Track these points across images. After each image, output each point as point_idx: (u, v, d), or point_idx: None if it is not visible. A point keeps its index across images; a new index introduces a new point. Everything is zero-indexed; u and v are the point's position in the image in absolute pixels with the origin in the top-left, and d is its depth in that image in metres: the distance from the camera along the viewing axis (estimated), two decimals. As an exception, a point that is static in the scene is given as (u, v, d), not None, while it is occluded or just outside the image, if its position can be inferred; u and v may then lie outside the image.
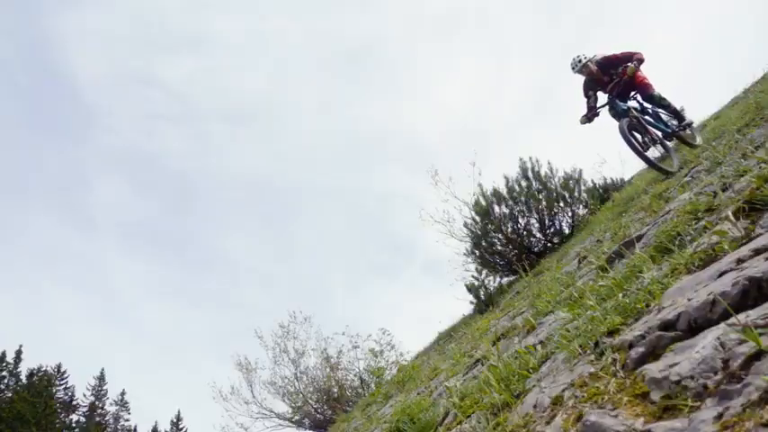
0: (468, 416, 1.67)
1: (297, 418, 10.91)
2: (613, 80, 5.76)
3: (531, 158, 8.62)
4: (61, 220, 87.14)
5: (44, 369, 38.86)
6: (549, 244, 8.49)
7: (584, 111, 5.94)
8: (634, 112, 5.45)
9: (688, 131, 6.07)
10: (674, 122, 5.88)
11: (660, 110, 5.88)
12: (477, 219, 8.61)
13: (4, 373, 37.75)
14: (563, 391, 1.20)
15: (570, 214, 8.44)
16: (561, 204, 8.38)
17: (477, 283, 7.87)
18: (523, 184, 8.45)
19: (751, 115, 3.51)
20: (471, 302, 8.02)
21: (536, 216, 8.38)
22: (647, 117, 5.77)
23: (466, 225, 8.75)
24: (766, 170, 1.54)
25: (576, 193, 8.43)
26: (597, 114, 5.90)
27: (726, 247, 1.31)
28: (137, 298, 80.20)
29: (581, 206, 8.44)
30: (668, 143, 5.59)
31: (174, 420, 45.42)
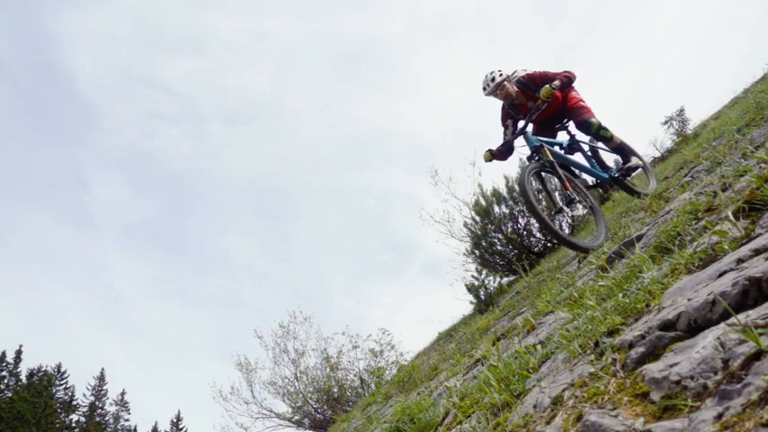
0: (468, 416, 1.67)
1: (297, 418, 10.91)
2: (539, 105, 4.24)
3: (531, 158, 8.60)
4: (61, 219, 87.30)
5: (44, 369, 38.92)
6: (549, 244, 8.49)
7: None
8: (549, 152, 3.88)
9: (640, 172, 4.75)
10: (620, 161, 4.54)
11: (600, 144, 4.46)
12: (477, 219, 8.61)
13: (4, 373, 37.78)
14: (563, 391, 1.20)
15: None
16: (561, 204, 8.37)
17: (477, 283, 7.86)
18: (581, 154, 8.41)
19: (751, 115, 3.51)
20: (471, 302, 8.02)
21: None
22: (574, 157, 4.36)
23: (466, 225, 8.75)
24: (766, 170, 1.54)
25: (576, 193, 8.42)
26: (509, 150, 4.33)
27: (726, 247, 1.30)
28: (136, 298, 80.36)
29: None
30: (595, 201, 4.04)
31: (174, 420, 45.48)
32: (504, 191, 8.47)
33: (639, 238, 2.38)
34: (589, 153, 4.56)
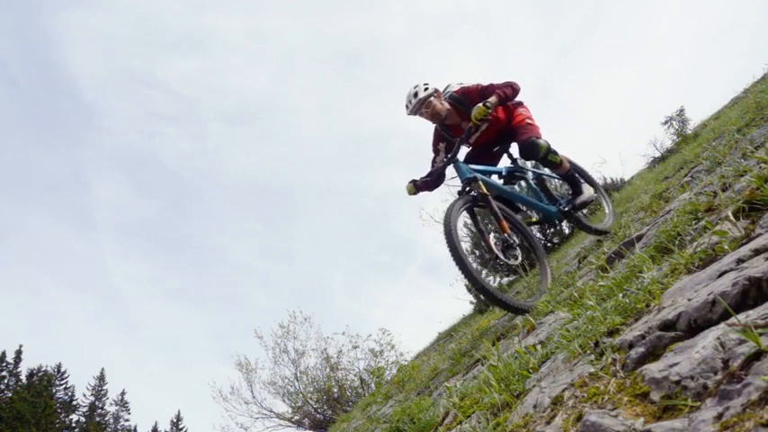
0: (469, 416, 1.67)
1: (297, 418, 10.90)
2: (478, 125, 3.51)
3: (531, 158, 8.61)
4: (61, 219, 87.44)
5: (44, 369, 38.94)
6: (549, 244, 8.49)
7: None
8: (483, 183, 3.22)
9: (602, 204, 4.22)
10: (569, 193, 3.79)
11: (546, 171, 3.81)
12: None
13: (4, 373, 37.81)
14: (563, 391, 1.20)
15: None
16: (561, 204, 8.37)
17: (477, 283, 7.84)
18: (524, 183, 8.44)
19: (751, 115, 3.51)
20: (471, 302, 8.02)
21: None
22: (515, 188, 3.78)
23: (466, 225, 8.75)
24: (766, 170, 1.54)
25: (576, 193, 8.42)
26: (439, 178, 3.61)
27: (726, 247, 1.31)
28: (136, 298, 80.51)
29: (581, 206, 8.43)
30: (540, 246, 3.33)
31: (174, 420, 45.52)
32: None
33: (639, 238, 2.39)
34: (534, 183, 3.90)
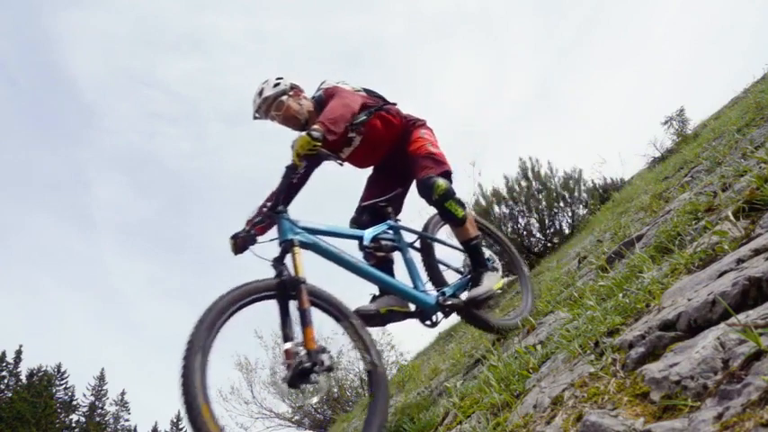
0: (469, 416, 1.67)
1: (297, 418, 10.91)
2: (349, 137, 2.60)
3: (530, 158, 8.64)
4: (61, 220, 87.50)
5: (44, 369, 38.96)
6: (548, 244, 8.49)
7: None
8: (308, 250, 2.12)
9: (522, 293, 3.00)
10: (467, 270, 2.71)
11: (442, 230, 2.80)
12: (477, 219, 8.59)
13: (4, 373, 37.82)
14: (563, 391, 1.20)
15: (570, 214, 8.45)
16: (561, 204, 8.39)
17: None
18: (523, 184, 8.46)
19: (751, 115, 3.51)
20: (471, 302, 8.00)
21: (536, 216, 8.38)
22: (373, 265, 2.37)
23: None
24: (766, 170, 1.54)
25: (576, 193, 8.44)
26: (269, 227, 2.36)
27: (726, 247, 1.31)
28: (136, 298, 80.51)
29: (581, 206, 8.44)
30: (381, 369, 2.00)
31: (174, 420, 45.47)
32: (503, 191, 8.48)
33: (639, 238, 2.39)
34: (409, 254, 2.59)
